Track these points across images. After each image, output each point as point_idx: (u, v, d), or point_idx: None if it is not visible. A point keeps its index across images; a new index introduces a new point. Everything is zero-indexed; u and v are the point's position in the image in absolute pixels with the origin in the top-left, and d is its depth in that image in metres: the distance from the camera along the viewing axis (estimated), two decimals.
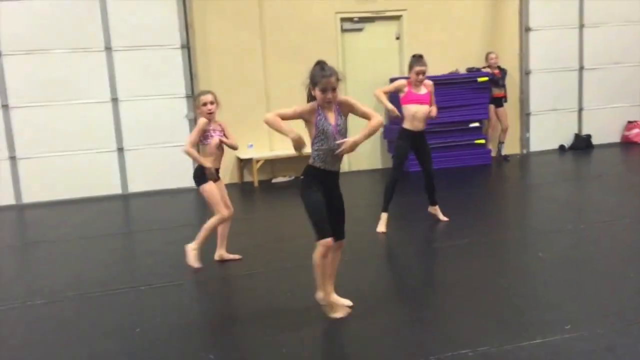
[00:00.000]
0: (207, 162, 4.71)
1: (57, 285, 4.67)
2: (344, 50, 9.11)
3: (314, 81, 3.56)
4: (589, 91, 10.08)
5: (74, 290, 4.53)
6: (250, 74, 8.65)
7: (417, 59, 5.52)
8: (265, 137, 8.78)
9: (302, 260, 4.72)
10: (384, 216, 5.58)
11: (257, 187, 8.45)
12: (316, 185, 3.64)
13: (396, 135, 5.80)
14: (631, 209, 6.12)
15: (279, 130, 3.57)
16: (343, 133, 3.64)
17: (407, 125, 5.61)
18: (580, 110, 10.12)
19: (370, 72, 9.18)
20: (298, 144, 3.54)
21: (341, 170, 9.13)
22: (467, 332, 3.42)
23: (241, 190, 8.27)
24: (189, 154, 4.65)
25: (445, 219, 5.80)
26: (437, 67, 9.11)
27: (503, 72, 9.21)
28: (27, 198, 8.04)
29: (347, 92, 9.12)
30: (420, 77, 5.48)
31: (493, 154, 9.38)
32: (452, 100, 8.87)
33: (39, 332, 3.84)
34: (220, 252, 4.98)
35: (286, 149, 8.82)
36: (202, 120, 4.68)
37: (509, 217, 6.25)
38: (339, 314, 3.68)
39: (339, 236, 3.76)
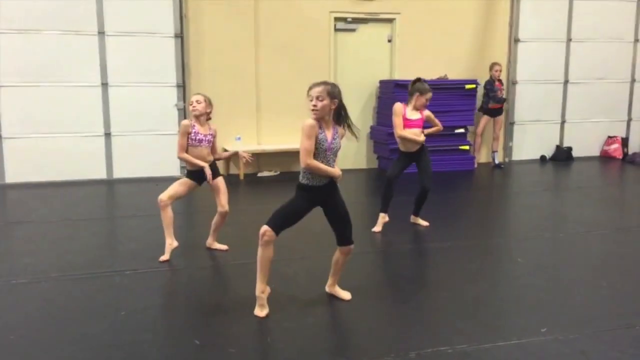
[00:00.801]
0: (202, 163, 4.77)
1: (40, 266, 4.68)
2: (336, 49, 9.18)
3: (332, 96, 3.60)
4: (572, 104, 10.30)
5: (58, 272, 4.54)
6: (242, 67, 8.68)
7: (424, 84, 5.59)
8: (253, 130, 8.83)
9: (287, 253, 4.80)
10: (381, 216, 5.69)
11: (242, 180, 8.49)
12: (306, 199, 3.70)
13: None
14: (607, 220, 6.29)
15: (325, 174, 3.66)
16: (335, 152, 3.71)
17: (401, 147, 5.66)
18: (562, 122, 10.33)
19: (360, 73, 9.28)
20: (340, 176, 3.71)
21: None
22: (447, 330, 3.53)
23: (226, 183, 8.30)
24: (182, 159, 4.83)
25: (426, 223, 5.87)
26: (427, 72, 9.24)
27: (501, 83, 9.41)
28: (11, 178, 7.98)
29: None
30: (427, 103, 5.61)
31: (482, 160, 9.54)
32: (439, 105, 8.96)
33: (22, 311, 3.85)
34: (210, 241, 5.10)
35: (273, 143, 8.89)
36: (183, 123, 4.78)
37: (490, 223, 6.38)
38: (261, 313, 3.69)
39: (345, 242, 3.86)
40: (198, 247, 5.13)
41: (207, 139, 4.85)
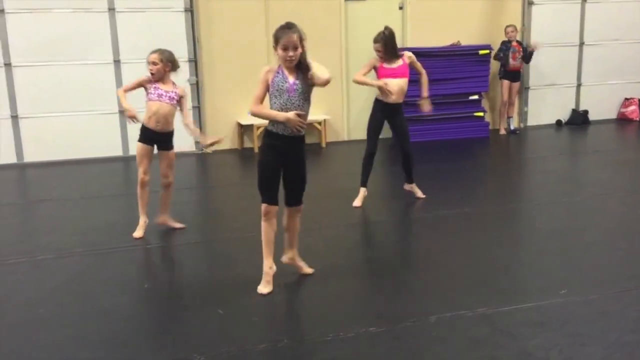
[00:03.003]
0: (131, 109, 4.62)
1: (63, 242, 4.77)
2: (346, 19, 9.09)
3: (276, 38, 3.48)
4: (588, 67, 10.13)
5: (80, 247, 4.63)
6: (253, 41, 8.63)
7: (379, 33, 5.45)
8: (266, 103, 8.81)
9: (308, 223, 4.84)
10: (361, 191, 5.49)
11: (256, 154, 8.52)
12: (272, 150, 3.60)
13: (372, 109, 5.60)
14: (625, 183, 6.26)
15: (267, 117, 3.57)
16: (301, 93, 3.52)
17: (380, 96, 5.41)
18: (578, 85, 10.19)
19: (372, 40, 9.17)
20: (294, 120, 3.50)
21: (339, 140, 9.17)
22: (465, 295, 3.56)
23: (241, 157, 8.35)
24: (118, 94, 4.83)
25: (422, 196, 5.62)
26: (439, 38, 9.14)
27: (523, 47, 9.26)
28: (29, 157, 8.07)
29: (348, 61, 9.15)
30: (379, 54, 5.42)
31: (496, 127, 9.46)
32: (452, 72, 8.92)
33: (48, 285, 3.95)
34: (162, 218, 4.95)
35: None
36: (144, 77, 4.72)
37: (506, 189, 6.36)
38: (264, 290, 3.65)
39: (293, 202, 3.73)
40: (216, 221, 5.18)
41: (168, 95, 4.65)
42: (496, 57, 9.19)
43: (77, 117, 8.14)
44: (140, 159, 4.79)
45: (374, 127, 5.50)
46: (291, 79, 3.52)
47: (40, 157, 8.05)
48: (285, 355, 2.95)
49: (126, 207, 6.01)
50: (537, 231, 4.79)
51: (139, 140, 4.79)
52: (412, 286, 3.80)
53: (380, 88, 5.30)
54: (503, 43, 9.18)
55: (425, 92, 5.58)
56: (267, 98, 3.62)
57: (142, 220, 4.83)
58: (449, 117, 9.03)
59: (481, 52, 9.02)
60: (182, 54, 8.34)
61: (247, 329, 3.23)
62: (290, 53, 3.43)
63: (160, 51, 4.71)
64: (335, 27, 9.00)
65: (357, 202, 5.45)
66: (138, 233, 4.76)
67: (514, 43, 9.16)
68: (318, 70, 3.50)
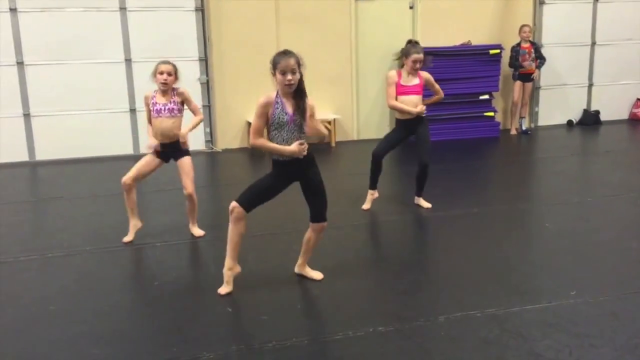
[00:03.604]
0: (151, 134, 4.63)
1: (74, 240, 4.80)
2: (357, 18, 9.08)
3: (274, 64, 3.46)
4: (600, 67, 10.07)
5: (91, 245, 4.65)
6: (263, 40, 8.64)
7: (414, 45, 5.18)
8: None
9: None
10: (370, 193, 5.41)
11: (266, 152, 8.53)
12: (277, 176, 3.61)
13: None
14: (636, 183, 6.20)
15: (273, 151, 3.56)
16: (298, 124, 3.54)
17: (397, 115, 5.29)
18: (590, 85, 10.13)
19: (382, 41, 9.16)
20: (299, 151, 3.52)
21: (348, 139, 9.18)
22: (475, 295, 3.55)
23: (251, 155, 8.36)
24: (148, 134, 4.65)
25: (428, 205, 5.41)
26: (449, 38, 9.12)
27: (535, 46, 9.21)
28: (40, 155, 8.13)
29: (359, 61, 9.15)
30: (417, 65, 5.11)
31: (507, 127, 9.42)
32: (462, 72, 8.90)
33: (59, 283, 3.98)
34: (190, 227, 4.85)
35: None
36: (145, 95, 4.62)
37: (517, 189, 6.33)
38: (222, 290, 3.63)
39: (318, 219, 3.70)
40: (226, 219, 5.17)
41: (166, 107, 4.54)
42: (511, 65, 9.16)
43: (88, 116, 8.19)
44: (137, 165, 4.66)
45: (390, 138, 5.38)
46: (290, 110, 3.51)
47: (51, 155, 8.11)
48: (294, 354, 2.96)
49: (137, 205, 6.03)
50: (548, 231, 4.77)
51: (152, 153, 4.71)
52: (421, 286, 3.80)
53: (418, 113, 5.18)
54: (512, 49, 9.14)
55: (430, 101, 5.49)
56: None
57: (132, 224, 4.70)
58: (460, 117, 9.01)
59: (492, 51, 8.98)
60: (192, 53, 8.39)
61: (256, 328, 3.24)
62: (289, 77, 3.41)
63: (170, 63, 4.58)
64: (346, 26, 9.00)
65: (366, 205, 5.39)
66: (127, 237, 4.67)
67: (524, 45, 9.11)
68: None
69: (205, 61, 8.46)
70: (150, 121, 4.63)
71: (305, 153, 3.54)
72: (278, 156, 3.58)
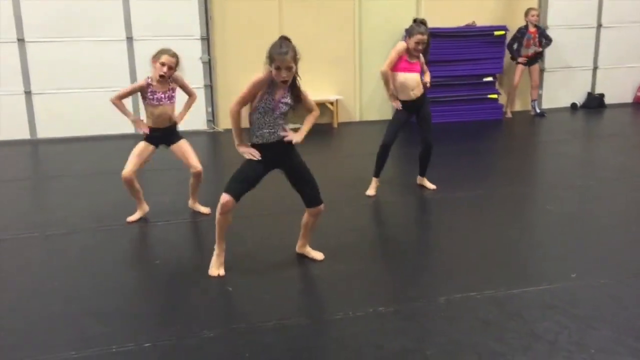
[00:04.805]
0: (132, 116, 4.62)
1: (76, 218, 4.80)
2: None
3: (270, 57, 3.40)
4: (605, 50, 9.98)
5: (93, 223, 4.66)
6: (266, 19, 8.57)
7: (419, 25, 4.97)
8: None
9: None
10: (374, 180, 5.33)
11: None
12: (256, 161, 3.55)
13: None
14: (639, 167, 6.19)
15: (233, 133, 3.57)
16: (284, 112, 3.53)
17: (401, 96, 5.14)
18: (595, 68, 10.05)
19: (386, 22, 9.08)
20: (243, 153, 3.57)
21: (351, 120, 9.10)
22: (475, 277, 3.55)
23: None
24: (114, 104, 4.52)
25: (433, 187, 5.41)
26: (454, 19, 9.03)
27: (540, 30, 9.12)
28: (42, 133, 8.12)
29: (362, 42, 9.07)
30: (420, 47, 4.95)
31: (504, 109, 9.37)
32: (466, 53, 8.83)
33: (61, 260, 3.99)
34: (191, 203, 4.88)
35: None
36: (140, 83, 4.52)
37: (520, 172, 6.31)
38: (214, 272, 3.62)
39: (313, 203, 3.67)
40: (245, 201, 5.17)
41: (166, 95, 4.54)
42: (508, 46, 9.07)
43: (89, 94, 8.16)
44: (133, 156, 4.55)
45: (396, 123, 5.21)
46: (277, 97, 3.48)
47: (53, 134, 8.10)
48: (294, 333, 2.97)
49: (139, 184, 6.03)
50: (549, 214, 4.76)
51: (144, 139, 4.63)
52: (422, 267, 3.80)
53: (391, 95, 5.13)
54: (519, 30, 9.04)
55: (428, 80, 5.35)
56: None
57: (139, 209, 4.68)
58: (462, 99, 8.97)
59: (496, 33, 8.90)
60: (194, 31, 8.33)
61: (256, 307, 3.25)
62: (284, 74, 3.37)
63: (174, 53, 4.50)
64: (349, 6, 8.92)
65: (371, 191, 5.27)
66: (132, 217, 4.65)
67: (531, 29, 9.01)
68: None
69: (207, 40, 8.40)
70: (122, 97, 4.53)
71: (252, 154, 3.53)
72: (258, 138, 3.56)
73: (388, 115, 9.52)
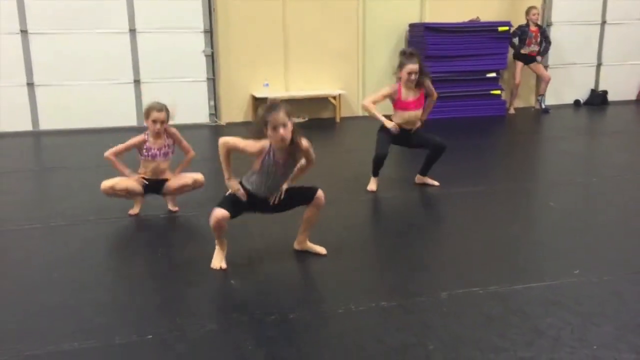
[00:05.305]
0: (128, 173, 4.52)
1: (78, 209, 4.80)
2: None
3: (263, 121, 3.35)
4: (609, 46, 9.95)
5: (94, 215, 4.66)
6: (270, 13, 8.56)
7: (408, 56, 4.90)
8: (281, 77, 8.77)
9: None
10: (373, 179, 5.22)
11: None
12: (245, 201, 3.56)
13: (379, 127, 5.19)
14: None
15: (224, 170, 3.53)
16: (287, 174, 3.56)
17: (395, 120, 5.09)
18: (598, 65, 10.02)
19: (389, 16, 9.07)
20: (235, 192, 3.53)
21: (353, 115, 9.07)
22: (477, 273, 3.55)
23: None
24: (109, 160, 4.50)
25: (436, 183, 5.33)
26: (458, 14, 9.01)
27: (542, 30, 9.10)
28: (44, 125, 8.12)
29: (366, 36, 9.05)
30: (413, 77, 4.88)
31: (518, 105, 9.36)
32: (470, 48, 8.81)
33: (62, 251, 3.98)
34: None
35: (302, 90, 8.83)
36: (137, 139, 4.48)
37: (522, 168, 6.30)
38: (216, 265, 3.62)
39: (311, 197, 3.64)
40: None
41: (162, 152, 4.51)
42: (511, 43, 9.05)
43: (92, 86, 8.16)
44: (120, 179, 4.47)
45: (382, 140, 5.10)
46: (281, 160, 3.46)
47: (55, 125, 8.10)
48: (296, 326, 2.97)
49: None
50: (552, 211, 4.75)
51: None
52: (424, 262, 3.80)
53: (384, 121, 5.07)
54: (519, 27, 9.02)
55: (426, 115, 5.28)
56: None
57: (137, 203, 4.65)
58: (466, 95, 8.95)
59: (500, 28, 8.88)
60: (197, 24, 8.32)
61: (258, 300, 3.25)
62: (282, 131, 3.30)
63: (164, 108, 4.42)
64: (353, 1, 8.89)
65: (372, 186, 5.20)
66: (133, 210, 4.63)
67: (533, 28, 8.99)
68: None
69: (210, 33, 8.39)
70: (118, 153, 4.51)
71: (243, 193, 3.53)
72: (247, 184, 3.56)
73: (390, 110, 9.49)
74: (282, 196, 3.62)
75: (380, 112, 5.14)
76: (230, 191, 3.59)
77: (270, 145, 3.43)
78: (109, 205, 4.86)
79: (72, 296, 3.31)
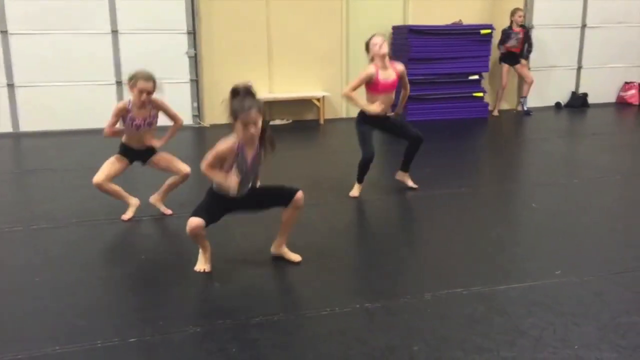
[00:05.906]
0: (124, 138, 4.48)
1: (60, 212, 4.75)
2: None
3: (234, 114, 3.26)
4: (589, 50, 10.09)
5: (77, 218, 4.61)
6: (253, 15, 8.55)
7: (375, 35, 4.97)
8: (265, 78, 8.76)
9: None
10: (357, 185, 5.15)
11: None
12: (217, 203, 3.51)
13: (356, 119, 5.12)
14: (622, 166, 6.27)
15: (217, 182, 3.44)
16: (256, 169, 3.51)
17: (373, 106, 4.98)
18: (579, 68, 10.15)
19: (373, 19, 9.10)
20: (233, 189, 3.38)
21: (337, 117, 9.10)
22: (460, 274, 3.57)
23: None
24: (108, 136, 4.47)
25: (414, 186, 5.31)
26: (440, 16, 9.07)
27: (526, 30, 9.19)
28: (25, 126, 8.02)
29: (349, 39, 9.08)
30: (383, 50, 4.88)
31: (492, 108, 9.43)
32: (452, 51, 8.87)
33: (44, 254, 3.94)
34: (156, 198, 4.73)
35: (285, 92, 8.83)
36: (119, 106, 4.37)
37: (504, 170, 6.36)
38: (200, 267, 3.59)
39: (290, 197, 3.56)
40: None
41: (146, 122, 4.40)
42: (498, 47, 9.17)
43: (73, 87, 8.09)
44: (106, 165, 4.44)
45: (363, 135, 5.03)
46: (249, 159, 3.42)
47: (36, 127, 8.02)
48: (280, 329, 2.96)
49: (123, 178, 5.97)
50: (534, 212, 4.79)
51: (118, 152, 4.51)
52: (408, 264, 3.81)
53: (364, 105, 4.99)
54: (503, 32, 9.12)
55: (401, 108, 5.33)
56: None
57: (129, 205, 4.61)
58: (448, 97, 9.01)
59: (483, 31, 8.96)
60: (181, 25, 8.29)
61: (243, 303, 3.24)
62: (252, 130, 3.26)
63: (153, 78, 4.29)
64: (337, 2, 8.92)
65: (355, 192, 5.14)
66: (127, 215, 4.57)
67: (516, 28, 9.09)
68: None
69: (193, 34, 8.36)
70: (112, 126, 4.42)
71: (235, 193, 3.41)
72: (217, 189, 3.48)
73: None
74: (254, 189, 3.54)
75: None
76: (205, 198, 3.54)
77: (239, 142, 3.36)
78: (92, 207, 4.82)
79: (54, 300, 3.27)
